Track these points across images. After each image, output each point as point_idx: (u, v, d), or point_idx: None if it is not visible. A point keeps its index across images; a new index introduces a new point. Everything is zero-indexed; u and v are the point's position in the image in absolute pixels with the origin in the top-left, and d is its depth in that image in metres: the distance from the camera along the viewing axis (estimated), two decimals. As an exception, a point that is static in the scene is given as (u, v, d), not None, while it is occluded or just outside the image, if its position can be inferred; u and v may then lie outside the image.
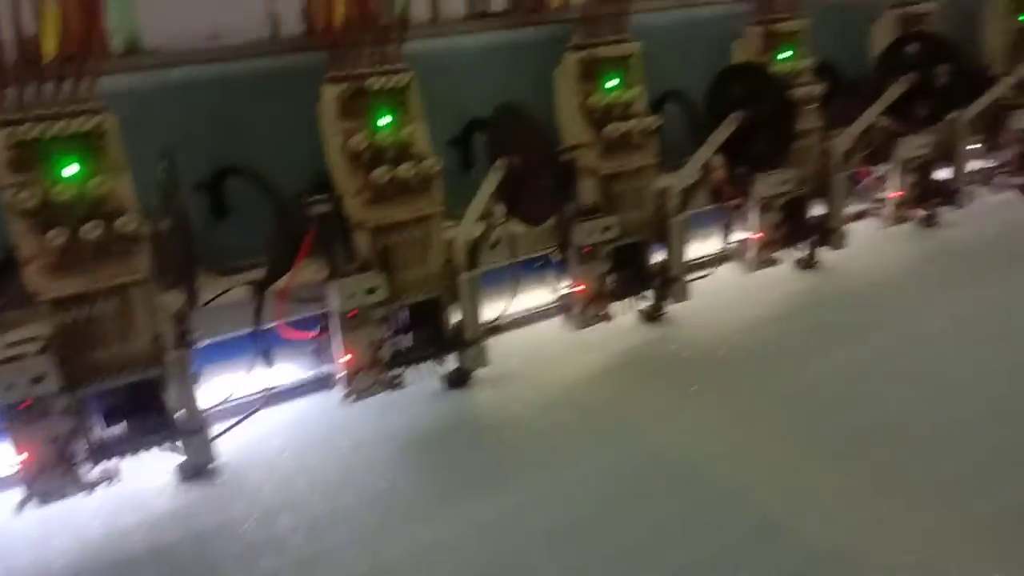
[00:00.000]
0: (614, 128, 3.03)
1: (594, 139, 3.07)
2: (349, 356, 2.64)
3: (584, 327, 3.17)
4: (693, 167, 3.13)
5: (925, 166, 4.16)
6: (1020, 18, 4.48)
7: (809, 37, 3.64)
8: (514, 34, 3.40)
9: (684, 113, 3.41)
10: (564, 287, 3.20)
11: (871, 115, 3.52)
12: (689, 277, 3.44)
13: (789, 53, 3.55)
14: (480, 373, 2.96)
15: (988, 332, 3.15)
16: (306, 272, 2.64)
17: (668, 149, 3.33)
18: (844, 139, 3.65)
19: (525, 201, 2.78)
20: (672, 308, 3.41)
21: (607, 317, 3.23)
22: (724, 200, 3.54)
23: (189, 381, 2.41)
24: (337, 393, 2.75)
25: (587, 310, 3.13)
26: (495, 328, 3.15)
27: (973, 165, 4.49)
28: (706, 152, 3.08)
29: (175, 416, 2.41)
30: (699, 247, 3.74)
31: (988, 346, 3.04)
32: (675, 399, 2.82)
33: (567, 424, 2.69)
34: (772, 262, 3.71)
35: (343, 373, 2.68)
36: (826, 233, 3.80)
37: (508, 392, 2.91)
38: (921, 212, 4.21)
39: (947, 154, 4.19)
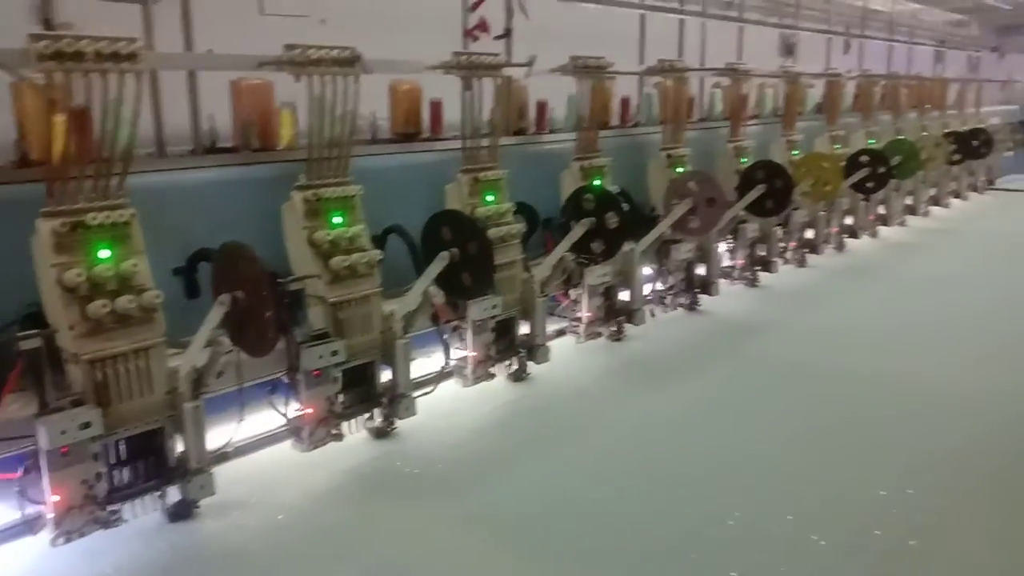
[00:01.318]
0: (339, 261, 3.31)
1: (322, 270, 3.33)
2: (58, 497, 2.53)
3: (314, 448, 3.30)
4: (414, 295, 3.49)
5: (609, 290, 4.91)
6: (675, 170, 5.54)
7: (508, 184, 4.25)
8: (244, 170, 3.62)
9: (405, 246, 3.80)
10: (294, 410, 3.32)
11: (560, 250, 4.15)
12: (415, 394, 3.73)
13: (492, 197, 4.11)
14: (206, 503, 2.97)
15: (669, 427, 3.76)
16: (11, 408, 2.56)
17: (397, 275, 3.68)
18: (542, 269, 4.24)
19: (248, 334, 2.92)
20: (400, 424, 3.66)
21: (338, 436, 3.40)
22: (442, 323, 3.92)
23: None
24: (45, 536, 2.61)
25: (316, 431, 3.27)
26: (222, 455, 3.17)
27: (647, 288, 5.37)
28: (423, 283, 3.46)
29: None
30: (424, 365, 4.09)
31: (672, 438, 3.63)
32: (398, 512, 3.03)
33: (293, 547, 2.78)
34: (489, 376, 4.13)
35: (52, 514, 2.55)
36: (532, 349, 4.31)
37: (233, 520, 2.94)
38: (609, 329, 4.93)
39: (626, 280, 4.98)
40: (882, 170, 6.80)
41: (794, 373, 4.48)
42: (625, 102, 5.93)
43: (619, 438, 3.65)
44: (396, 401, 3.58)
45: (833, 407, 3.98)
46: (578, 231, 4.15)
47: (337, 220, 3.39)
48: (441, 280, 3.55)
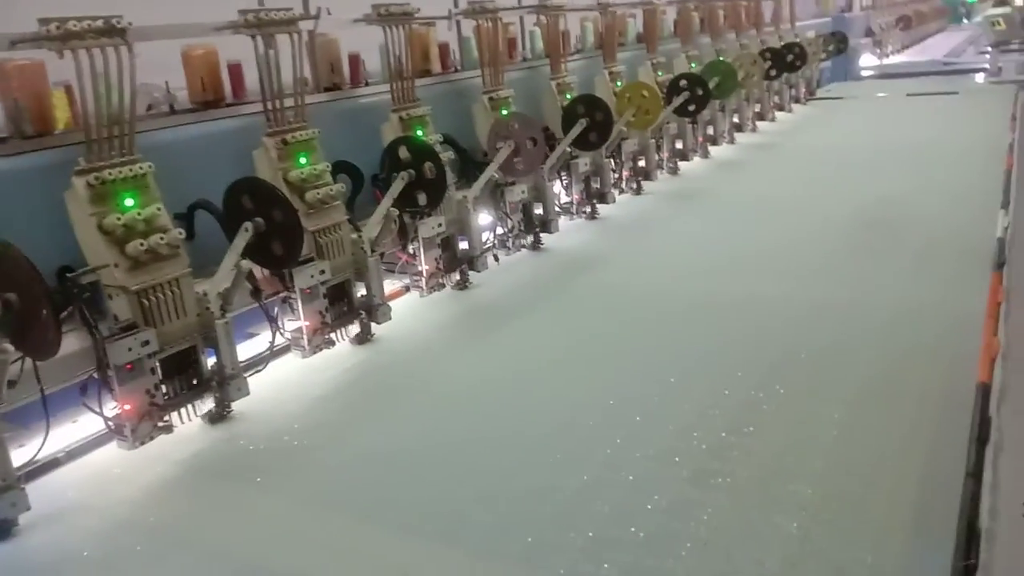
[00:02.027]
0: (136, 246, 3.12)
1: (118, 257, 3.13)
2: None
3: (140, 444, 3.14)
4: (223, 271, 3.33)
5: (447, 240, 4.89)
6: (502, 112, 5.53)
7: (321, 143, 4.10)
8: (19, 160, 3.32)
9: (216, 220, 3.61)
10: (112, 407, 3.14)
11: (384, 206, 4.07)
12: (246, 374, 3.60)
13: (304, 159, 3.96)
14: (25, 518, 2.78)
15: (514, 367, 3.80)
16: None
17: (215, 254, 3.51)
18: (369, 227, 4.15)
19: (31, 337, 2.71)
20: (239, 405, 3.53)
21: (167, 428, 3.24)
22: (267, 296, 3.78)
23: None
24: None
25: (140, 427, 3.11)
26: (38, 468, 2.98)
27: (488, 234, 5.39)
28: (230, 258, 3.31)
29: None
30: (256, 343, 3.96)
31: (517, 379, 3.66)
32: (242, 495, 2.94)
33: (129, 544, 2.65)
34: (328, 343, 4.04)
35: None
36: (372, 310, 4.24)
37: (66, 527, 2.77)
38: (452, 279, 4.92)
39: (463, 228, 4.97)
40: (701, 92, 7.04)
41: (632, 300, 4.62)
42: (444, 47, 5.85)
43: (463, 387, 3.66)
44: (226, 383, 3.44)
45: (672, 329, 4.14)
46: (398, 185, 4.08)
47: (129, 202, 3.17)
48: (251, 252, 3.40)
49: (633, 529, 2.37)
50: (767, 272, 4.85)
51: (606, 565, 2.24)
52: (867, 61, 15.89)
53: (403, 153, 4.20)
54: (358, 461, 3.08)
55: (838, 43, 11.83)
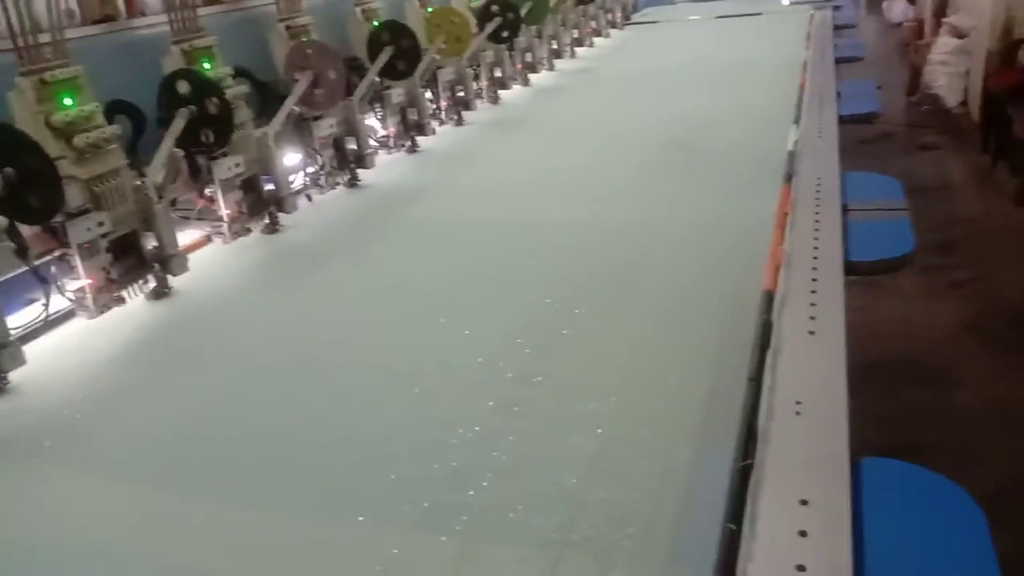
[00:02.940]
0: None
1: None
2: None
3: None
4: None
5: (250, 181, 4.58)
6: (303, 39, 5.19)
7: (90, 82, 3.66)
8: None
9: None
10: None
11: (166, 148, 3.72)
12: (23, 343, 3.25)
13: (70, 100, 3.53)
14: None
15: (327, 310, 3.64)
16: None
17: None
18: (152, 172, 3.79)
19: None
20: (16, 375, 3.18)
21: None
22: (39, 255, 3.39)
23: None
24: None
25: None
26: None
27: (297, 172, 5.11)
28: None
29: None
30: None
31: (331, 322, 3.51)
32: (15, 478, 2.65)
33: None
34: (120, 301, 3.71)
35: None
36: (165, 261, 3.91)
37: None
38: (260, 222, 4.63)
39: (266, 167, 4.66)
40: (513, 18, 6.94)
41: (450, 230, 4.55)
42: (234, -28, 5.39)
43: (270, 335, 3.47)
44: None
45: (485, 257, 4.10)
46: (178, 123, 3.73)
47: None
48: (3, 207, 3.02)
49: (436, 466, 2.33)
50: (579, 195, 4.90)
51: (406, 507, 2.19)
52: (681, -15, 16.31)
53: (183, 88, 3.84)
54: (149, 428, 2.85)
55: (650, -33, 12.02)
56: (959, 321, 7.04)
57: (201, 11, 4.56)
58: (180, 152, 3.84)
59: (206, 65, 4.32)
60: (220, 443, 2.70)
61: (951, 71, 13.04)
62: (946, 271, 8.08)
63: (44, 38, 3.53)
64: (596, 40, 10.66)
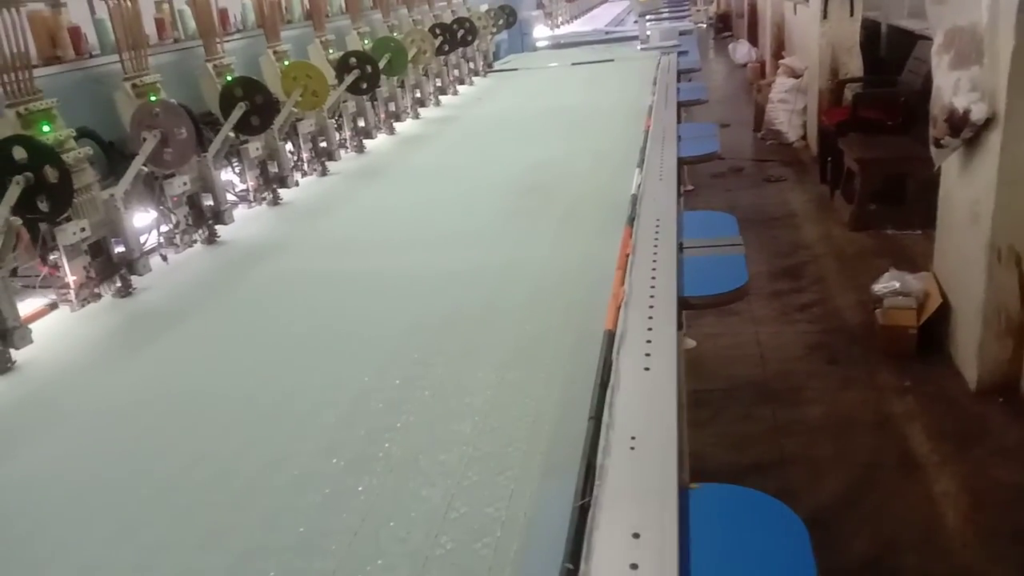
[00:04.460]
0: None
1: None
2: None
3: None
4: None
5: (98, 244, 4.42)
6: (151, 98, 5.09)
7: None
8: None
9: None
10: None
11: (2, 216, 3.57)
12: None
13: None
14: None
15: (182, 373, 3.54)
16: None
17: None
18: (-14, 241, 3.63)
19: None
20: None
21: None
22: None
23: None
24: None
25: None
26: None
27: (148, 232, 4.97)
28: None
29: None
30: None
31: (188, 379, 3.42)
32: None
33: None
34: (-47, 380, 3.50)
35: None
36: (6, 335, 3.72)
37: None
38: (112, 286, 4.47)
39: (114, 229, 4.52)
40: (371, 70, 7.04)
41: (309, 282, 4.54)
42: (76, 31, 5.23)
43: (117, 406, 3.35)
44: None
45: (344, 307, 4.12)
46: (13, 191, 3.58)
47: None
48: None
49: (292, 522, 2.33)
50: (437, 240, 5.01)
51: (268, 563, 2.18)
52: (542, 32, 16.94)
53: (18, 154, 3.70)
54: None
55: (507, 16, 12.44)
56: (806, 342, 7.55)
57: (38, 72, 4.41)
58: (17, 220, 3.68)
59: (45, 128, 4.18)
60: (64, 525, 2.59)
61: (790, 108, 14.12)
62: (794, 295, 8.67)
63: None
64: (460, 88, 10.90)
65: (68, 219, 4.12)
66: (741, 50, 22.46)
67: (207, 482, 2.68)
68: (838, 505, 5.19)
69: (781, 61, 14.53)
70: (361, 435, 2.79)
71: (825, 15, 11.93)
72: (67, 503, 2.69)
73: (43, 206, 3.75)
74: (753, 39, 21.51)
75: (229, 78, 5.82)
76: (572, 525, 2.06)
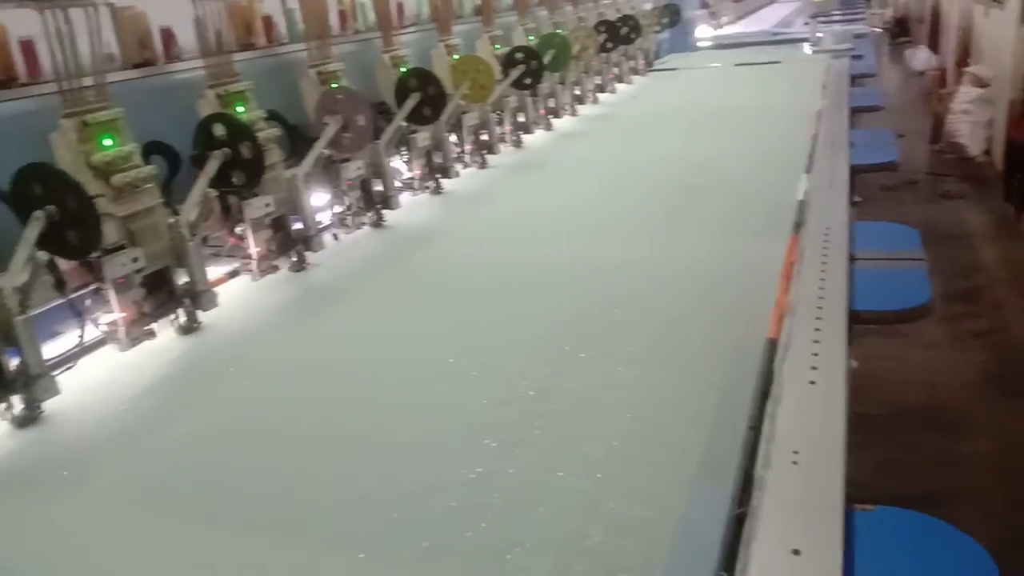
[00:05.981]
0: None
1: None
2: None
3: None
4: (18, 264, 3.11)
5: (279, 220, 4.75)
6: (332, 85, 5.40)
7: (128, 123, 3.86)
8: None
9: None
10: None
11: (200, 187, 3.90)
12: (56, 372, 3.39)
13: (109, 140, 3.72)
14: None
15: (352, 347, 3.76)
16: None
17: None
18: (187, 211, 3.97)
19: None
20: (48, 406, 3.33)
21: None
22: (71, 290, 3.56)
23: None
24: None
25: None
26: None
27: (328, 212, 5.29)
28: (23, 252, 3.12)
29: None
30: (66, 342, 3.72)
31: (357, 357, 3.63)
32: (42, 504, 2.78)
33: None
34: (150, 334, 3.86)
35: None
36: (195, 297, 4.07)
37: None
38: (288, 260, 4.79)
39: (295, 207, 4.84)
40: (536, 65, 7.13)
41: (470, 269, 4.68)
42: (267, 20, 5.63)
43: (291, 371, 3.59)
44: (31, 383, 3.23)
45: (503, 296, 4.22)
46: (212, 165, 3.91)
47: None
48: (44, 243, 3.19)
49: (445, 499, 2.42)
50: (597, 236, 5.04)
51: (425, 543, 2.28)
52: (704, 32, 16.57)
53: (218, 131, 4.02)
54: (176, 457, 2.97)
55: (672, 15, 12.25)
56: (980, 371, 6.99)
57: (236, 56, 4.78)
58: (213, 192, 4.01)
59: (240, 109, 4.52)
60: (242, 473, 2.81)
61: (973, 120, 13.06)
62: (968, 319, 8.05)
63: (87, 81, 3.74)
64: (619, 86, 10.85)
65: (255, 195, 4.45)
66: (920, 56, 20.97)
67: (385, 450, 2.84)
68: (1006, 548, 4.79)
69: (966, 69, 13.50)
70: (512, 419, 2.86)
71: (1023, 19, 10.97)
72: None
73: (237, 180, 4.06)
74: (934, 45, 20.09)
75: (403, 69, 6.08)
76: (727, 534, 2.02)
